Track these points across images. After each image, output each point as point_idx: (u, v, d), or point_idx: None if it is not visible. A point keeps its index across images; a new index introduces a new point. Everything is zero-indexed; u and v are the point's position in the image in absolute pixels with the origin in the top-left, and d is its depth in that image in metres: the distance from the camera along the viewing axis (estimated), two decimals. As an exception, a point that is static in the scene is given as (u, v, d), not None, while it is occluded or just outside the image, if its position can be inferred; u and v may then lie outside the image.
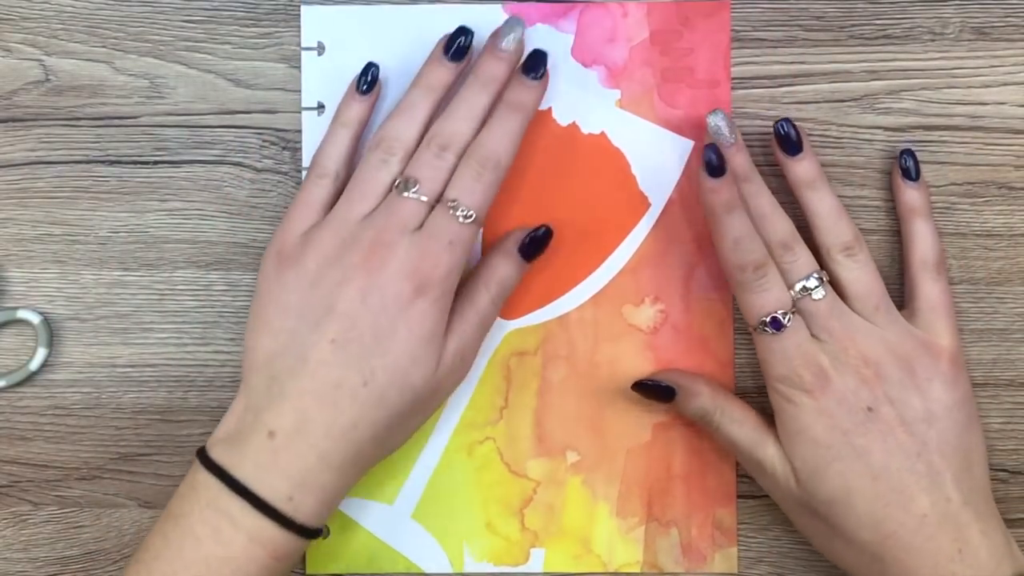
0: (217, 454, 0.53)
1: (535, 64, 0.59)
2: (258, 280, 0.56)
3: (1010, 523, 0.57)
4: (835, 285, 0.56)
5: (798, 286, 0.56)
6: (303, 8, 0.62)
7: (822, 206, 0.57)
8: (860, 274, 0.56)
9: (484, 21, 0.61)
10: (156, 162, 0.62)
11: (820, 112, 0.61)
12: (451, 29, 0.59)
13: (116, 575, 0.62)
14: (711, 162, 0.55)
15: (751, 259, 0.55)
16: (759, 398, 0.60)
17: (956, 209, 0.61)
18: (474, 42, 0.59)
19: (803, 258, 0.56)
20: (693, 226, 0.61)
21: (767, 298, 0.55)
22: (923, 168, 0.59)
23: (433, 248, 0.54)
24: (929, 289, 0.57)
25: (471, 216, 0.55)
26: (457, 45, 0.59)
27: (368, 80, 0.60)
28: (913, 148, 0.59)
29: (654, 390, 0.59)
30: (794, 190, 0.58)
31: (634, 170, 0.61)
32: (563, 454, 0.61)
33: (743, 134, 0.59)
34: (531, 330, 0.61)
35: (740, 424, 0.58)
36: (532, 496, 0.61)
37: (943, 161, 0.61)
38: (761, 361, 0.56)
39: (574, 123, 0.61)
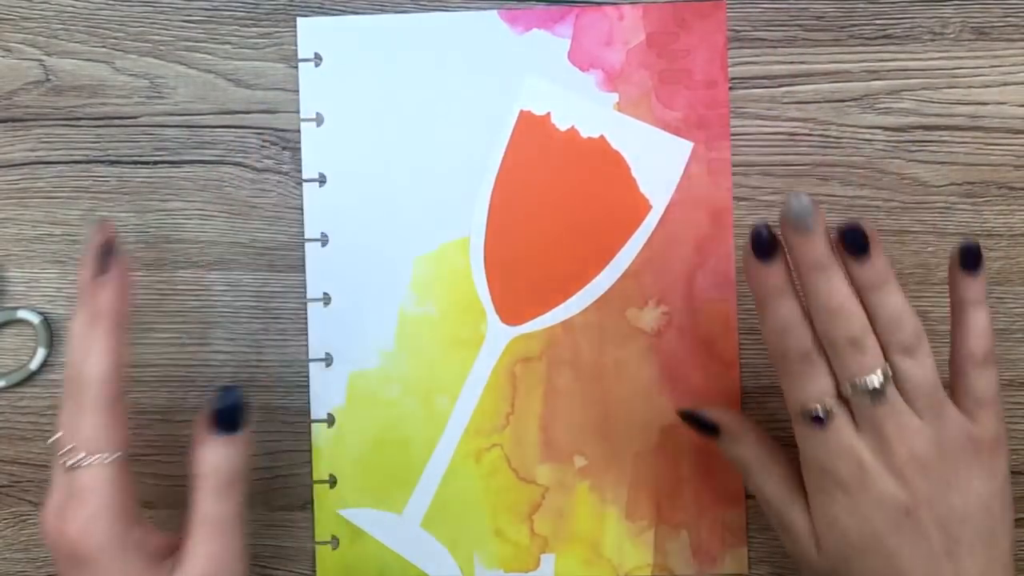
0: None
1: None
2: None
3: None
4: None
5: (860, 381, 0.51)
6: (299, 20, 0.61)
7: (885, 310, 0.52)
8: (917, 371, 0.52)
9: (479, 28, 0.61)
10: (156, 162, 0.61)
11: (820, 112, 0.61)
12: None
13: None
14: (762, 245, 0.52)
15: (797, 348, 0.52)
16: (762, 398, 0.61)
17: (956, 209, 0.61)
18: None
19: (872, 354, 0.51)
20: (695, 228, 0.61)
21: (811, 390, 0.52)
22: (924, 168, 0.59)
23: (58, 518, 0.50)
24: (977, 379, 0.54)
25: (85, 460, 0.50)
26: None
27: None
28: (913, 148, 0.60)
29: (697, 423, 0.58)
30: (860, 292, 0.52)
31: (634, 173, 0.61)
32: (571, 459, 0.61)
33: (744, 134, 0.59)
34: (535, 336, 0.61)
35: (776, 482, 0.56)
36: (541, 502, 0.61)
37: (943, 161, 0.61)
38: (799, 446, 0.53)
39: (573, 127, 0.61)
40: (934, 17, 0.61)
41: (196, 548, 0.51)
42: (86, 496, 0.50)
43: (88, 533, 0.50)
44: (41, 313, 0.61)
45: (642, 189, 0.61)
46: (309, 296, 0.61)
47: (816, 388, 0.52)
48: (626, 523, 0.61)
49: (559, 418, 0.61)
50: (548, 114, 0.61)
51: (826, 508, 0.53)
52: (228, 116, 0.62)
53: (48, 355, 0.61)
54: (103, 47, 0.62)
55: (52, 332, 0.62)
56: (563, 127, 0.61)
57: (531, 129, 0.61)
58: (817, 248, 0.51)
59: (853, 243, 0.51)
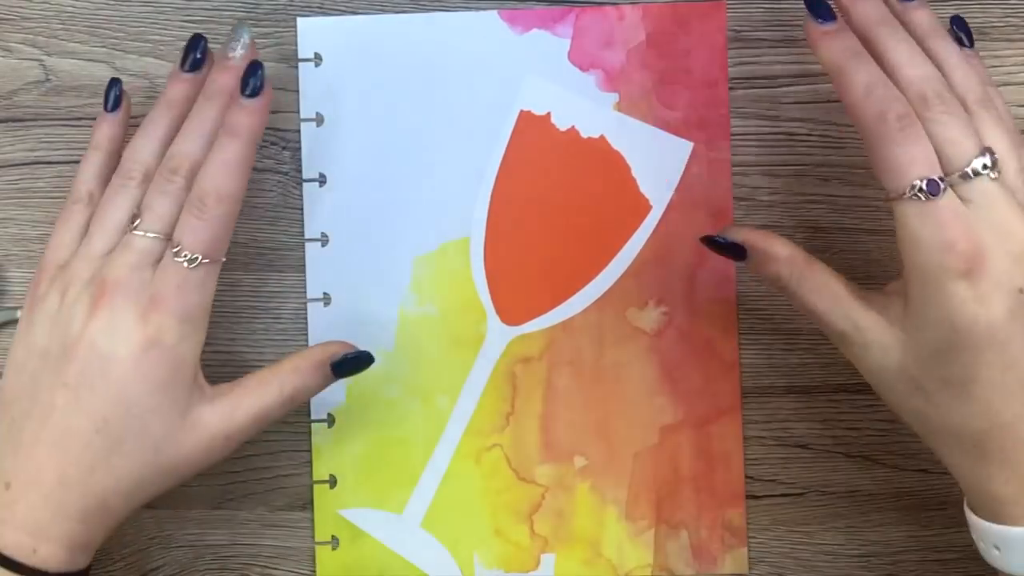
0: None
1: (247, 80, 0.54)
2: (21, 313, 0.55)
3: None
4: None
5: (967, 160, 0.48)
6: (299, 20, 0.61)
7: (949, 53, 0.52)
8: (1002, 133, 0.50)
9: (480, 28, 0.61)
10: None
11: (820, 112, 0.61)
12: (189, 38, 0.57)
13: (116, 575, 0.62)
14: (819, 4, 0.51)
15: (895, 108, 0.49)
16: (764, 399, 0.61)
17: (956, 207, 0.61)
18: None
19: (965, 125, 0.49)
20: (695, 228, 0.61)
21: (916, 152, 0.48)
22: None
23: (162, 292, 0.52)
24: None
25: (195, 260, 0.52)
26: (192, 57, 0.57)
27: (113, 98, 0.58)
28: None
29: (723, 247, 0.55)
30: (915, 39, 0.52)
31: (634, 173, 0.61)
32: (571, 459, 0.61)
33: (744, 134, 0.59)
34: (535, 336, 0.61)
35: (819, 293, 0.52)
36: (541, 502, 0.61)
37: (944, 160, 0.61)
38: (904, 240, 0.49)
39: (573, 127, 0.61)
40: (934, 17, 0.61)
41: (240, 413, 0.54)
42: (193, 283, 0.52)
43: (172, 312, 0.52)
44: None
45: (642, 189, 0.61)
46: (309, 296, 0.61)
47: (924, 153, 0.48)
48: (626, 523, 0.61)
49: (559, 418, 0.61)
50: (548, 114, 0.61)
51: (933, 295, 0.49)
52: (228, 116, 0.62)
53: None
54: (103, 47, 0.62)
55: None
56: (563, 127, 0.61)
57: (531, 129, 0.61)
58: (876, 3, 0.52)
59: None
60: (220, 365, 0.61)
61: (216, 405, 0.53)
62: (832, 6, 0.52)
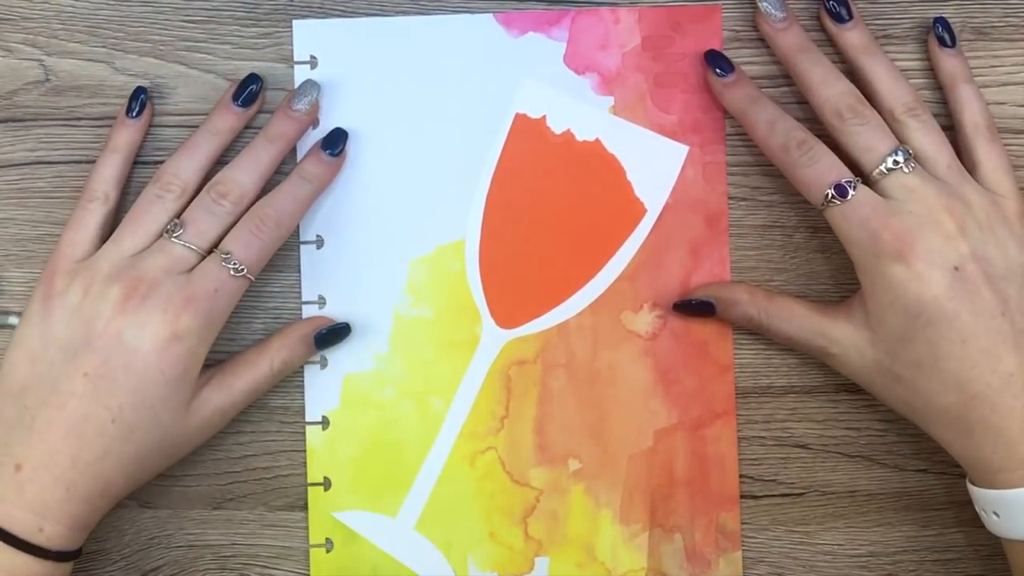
0: None
1: (334, 142, 0.60)
2: (28, 304, 0.57)
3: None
4: None
5: (881, 159, 0.55)
6: (295, 23, 0.62)
7: (880, 69, 0.57)
8: (927, 135, 0.56)
9: (475, 31, 0.61)
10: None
11: (818, 113, 0.61)
12: (243, 76, 0.60)
13: (116, 575, 0.62)
14: (718, 59, 0.59)
15: (793, 135, 0.56)
16: (758, 401, 0.61)
17: (956, 209, 0.61)
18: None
19: (879, 126, 0.56)
20: (690, 231, 0.61)
21: (821, 168, 0.55)
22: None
23: (197, 294, 0.55)
24: (988, 151, 0.57)
25: (242, 270, 0.56)
26: (248, 92, 0.60)
27: (138, 105, 0.60)
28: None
29: (694, 308, 0.60)
30: (850, 59, 0.58)
31: (629, 176, 0.61)
32: (565, 462, 0.61)
33: (744, 134, 0.59)
34: (530, 339, 0.61)
35: (788, 320, 0.58)
36: (535, 505, 0.61)
37: (943, 161, 0.61)
38: (842, 240, 0.55)
39: (568, 131, 0.61)
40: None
41: (233, 387, 0.59)
42: (228, 291, 0.56)
43: (201, 313, 0.55)
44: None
45: (637, 192, 0.61)
46: (304, 298, 0.62)
47: (827, 164, 0.55)
48: (620, 526, 0.61)
49: (553, 421, 0.61)
50: (543, 117, 0.61)
51: (885, 293, 0.54)
52: (228, 116, 0.62)
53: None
54: (103, 47, 0.62)
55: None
56: (558, 130, 0.61)
57: (526, 132, 0.61)
58: (796, 32, 0.58)
59: (835, 10, 0.59)
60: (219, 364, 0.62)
61: (214, 387, 0.58)
62: (730, 60, 0.59)
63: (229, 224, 0.57)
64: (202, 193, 0.57)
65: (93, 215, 0.58)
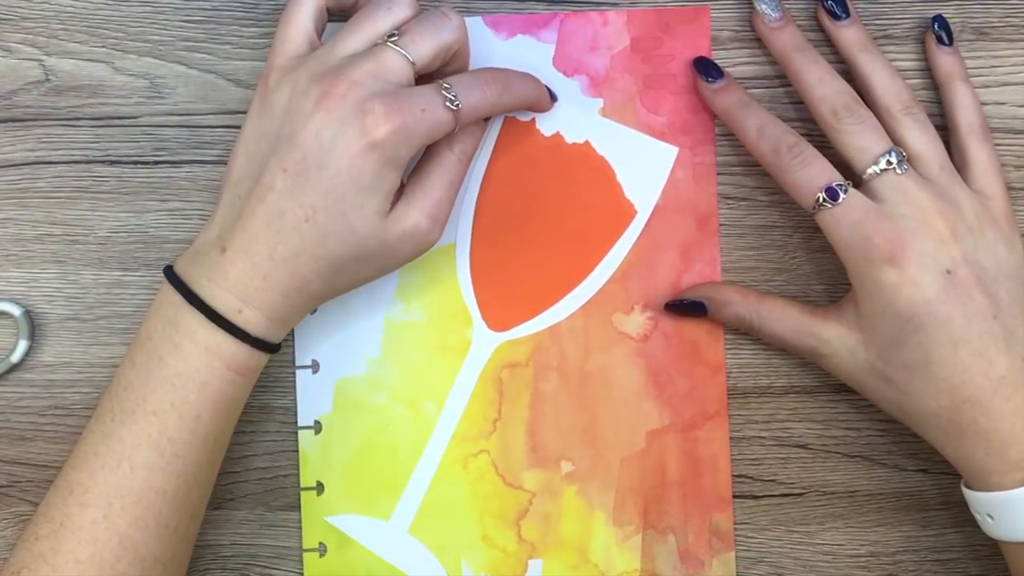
0: (179, 268, 0.55)
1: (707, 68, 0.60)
2: (252, 101, 0.56)
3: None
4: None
5: (874, 159, 0.55)
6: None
7: (876, 66, 0.57)
8: (922, 134, 0.56)
9: (465, 33, 0.61)
10: (156, 162, 0.62)
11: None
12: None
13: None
14: (706, 66, 0.59)
15: (784, 139, 0.56)
16: (750, 401, 0.61)
17: (956, 208, 0.61)
18: None
19: (874, 126, 0.56)
20: (680, 232, 0.61)
21: (812, 172, 0.55)
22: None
23: (404, 107, 0.53)
24: (979, 151, 0.57)
25: (458, 107, 0.54)
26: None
27: None
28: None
29: (686, 308, 0.60)
30: (847, 57, 0.59)
31: (619, 178, 0.61)
32: (557, 464, 0.61)
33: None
34: (522, 342, 0.61)
35: (780, 320, 0.58)
36: (528, 507, 0.61)
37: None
38: (833, 244, 0.56)
39: (558, 133, 0.61)
40: (935, 17, 0.61)
41: (432, 189, 0.56)
42: (434, 118, 0.54)
43: (404, 128, 0.53)
44: (23, 306, 0.61)
45: (627, 194, 0.61)
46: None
47: (818, 167, 0.55)
48: (613, 528, 0.61)
49: (546, 424, 0.61)
50: (533, 120, 0.61)
51: (877, 297, 0.54)
52: (228, 116, 0.62)
53: (30, 347, 0.61)
54: (103, 47, 0.62)
55: (34, 325, 0.62)
56: (548, 133, 0.61)
57: (516, 135, 0.61)
58: (792, 31, 0.58)
59: (832, 8, 0.59)
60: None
61: (410, 197, 0.56)
62: (719, 66, 0.59)
63: (445, 51, 0.56)
64: (430, 10, 0.56)
65: (304, 8, 0.56)
